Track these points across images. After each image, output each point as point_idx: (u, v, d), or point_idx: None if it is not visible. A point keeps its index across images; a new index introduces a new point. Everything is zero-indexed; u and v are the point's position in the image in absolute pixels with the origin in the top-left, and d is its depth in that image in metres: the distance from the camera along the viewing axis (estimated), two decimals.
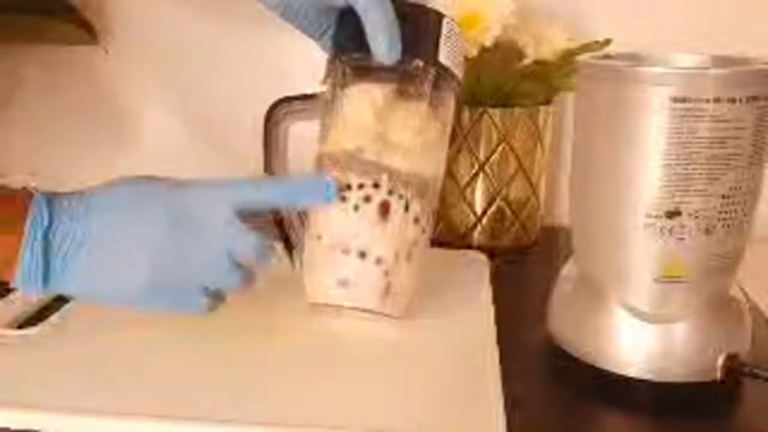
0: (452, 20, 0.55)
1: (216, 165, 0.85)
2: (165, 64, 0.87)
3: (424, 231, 0.57)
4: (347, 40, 0.54)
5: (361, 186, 0.54)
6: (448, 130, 0.58)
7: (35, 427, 0.44)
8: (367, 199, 0.54)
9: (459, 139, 0.75)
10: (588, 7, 0.80)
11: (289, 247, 0.58)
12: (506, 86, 0.74)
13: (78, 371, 0.50)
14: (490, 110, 0.74)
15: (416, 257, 0.56)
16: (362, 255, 0.54)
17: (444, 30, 0.54)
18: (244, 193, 0.51)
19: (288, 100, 0.57)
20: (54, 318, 0.56)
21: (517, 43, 0.72)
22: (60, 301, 0.59)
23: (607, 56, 0.53)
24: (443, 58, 0.54)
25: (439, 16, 0.55)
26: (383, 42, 0.52)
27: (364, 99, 0.55)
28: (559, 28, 0.73)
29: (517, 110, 0.74)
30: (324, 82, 0.56)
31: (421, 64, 0.54)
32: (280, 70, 0.82)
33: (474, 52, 0.70)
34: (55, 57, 0.86)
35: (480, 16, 0.70)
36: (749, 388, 0.51)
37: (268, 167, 0.57)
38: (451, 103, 0.57)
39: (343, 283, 0.55)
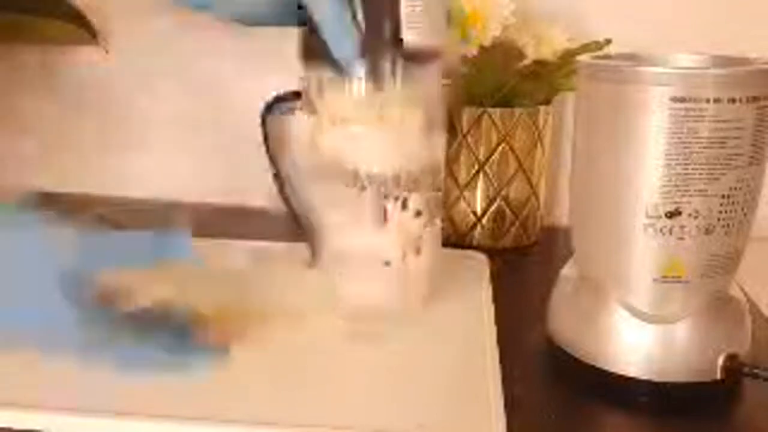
0: None
1: (218, 165, 0.85)
2: (165, 64, 0.87)
3: (432, 218, 0.57)
4: (310, 48, 0.53)
5: (351, 195, 0.54)
6: (436, 108, 0.56)
7: (36, 427, 0.44)
8: (361, 206, 0.54)
9: (459, 139, 0.75)
10: (588, 7, 0.80)
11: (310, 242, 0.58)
12: (506, 86, 0.74)
13: (78, 371, 0.49)
14: (490, 110, 0.74)
15: (426, 247, 0.57)
16: (370, 261, 0.55)
17: (404, 6, 0.51)
18: (71, 260, 0.43)
19: (282, 99, 0.57)
20: None
21: (517, 43, 0.72)
22: None
23: (607, 56, 0.53)
24: (410, 37, 0.52)
25: None
26: (343, 47, 0.51)
27: (336, 106, 0.54)
28: (559, 28, 0.73)
29: (517, 110, 0.74)
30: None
31: (385, 55, 0.52)
32: (283, 64, 0.82)
33: (474, 52, 0.70)
34: (55, 57, 0.86)
35: (480, 16, 0.70)
36: (749, 388, 0.51)
37: (273, 164, 0.58)
38: (430, 80, 0.55)
39: (357, 290, 0.55)
